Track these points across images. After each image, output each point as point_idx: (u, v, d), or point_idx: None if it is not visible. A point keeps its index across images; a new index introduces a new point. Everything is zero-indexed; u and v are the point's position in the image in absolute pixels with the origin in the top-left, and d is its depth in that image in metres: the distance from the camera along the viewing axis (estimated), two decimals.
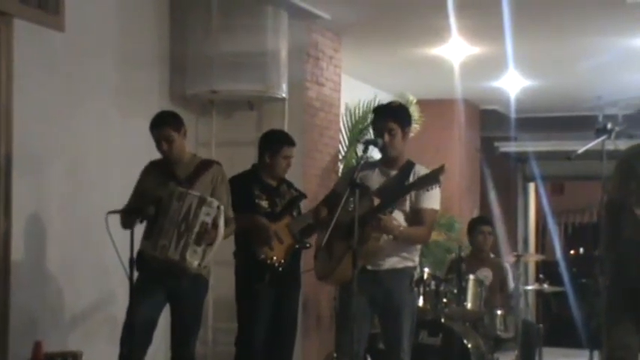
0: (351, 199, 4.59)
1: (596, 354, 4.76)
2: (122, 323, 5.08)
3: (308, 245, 5.71)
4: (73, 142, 5.94)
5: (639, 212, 4.72)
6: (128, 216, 5.04)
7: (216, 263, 5.55)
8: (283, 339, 5.79)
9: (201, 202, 4.97)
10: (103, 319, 6.08)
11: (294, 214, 5.85)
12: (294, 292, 5.86)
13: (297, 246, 5.73)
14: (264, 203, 5.73)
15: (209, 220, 4.97)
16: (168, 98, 6.97)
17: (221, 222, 5.01)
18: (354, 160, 7.95)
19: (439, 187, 4.72)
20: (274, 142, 5.82)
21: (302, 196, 5.97)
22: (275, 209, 5.74)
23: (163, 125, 5.16)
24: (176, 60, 7.03)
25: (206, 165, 5.28)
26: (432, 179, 4.66)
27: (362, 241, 4.59)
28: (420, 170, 4.87)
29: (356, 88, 9.20)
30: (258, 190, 5.75)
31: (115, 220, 5.02)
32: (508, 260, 7.48)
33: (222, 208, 5.02)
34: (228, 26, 6.90)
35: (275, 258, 5.60)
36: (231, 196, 5.31)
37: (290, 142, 5.85)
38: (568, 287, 8.49)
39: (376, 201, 4.72)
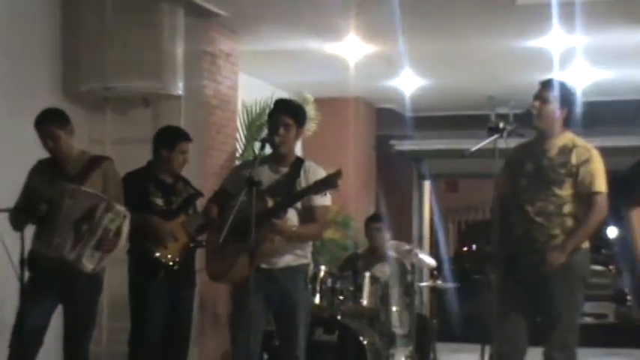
0: (244, 198, 4.58)
1: (487, 348, 4.87)
2: (11, 326, 4.95)
3: (203, 244, 5.68)
4: None
5: (530, 209, 4.86)
6: (18, 216, 4.91)
7: (110, 262, 5.44)
8: (178, 338, 5.74)
9: (109, 208, 4.92)
10: None
11: (190, 212, 5.81)
12: (188, 291, 5.82)
13: (192, 244, 5.69)
14: (160, 201, 5.68)
15: (113, 227, 4.94)
16: (61, 94, 6.81)
17: (124, 231, 4.97)
18: (251, 158, 7.92)
19: (337, 191, 4.74)
20: (171, 137, 5.78)
21: (198, 194, 5.93)
22: (170, 207, 5.70)
23: (48, 123, 5.07)
24: (68, 55, 6.87)
25: (96, 161, 5.20)
26: (329, 184, 4.68)
27: (257, 243, 4.58)
28: (310, 167, 4.92)
29: (253, 86, 9.18)
30: (154, 188, 5.70)
31: (3, 221, 4.87)
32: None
33: (128, 216, 4.97)
34: (123, 22, 6.79)
35: (169, 256, 5.55)
36: (126, 193, 5.25)
37: (186, 137, 5.83)
38: (460, 284, 8.66)
39: (269, 201, 4.73)
